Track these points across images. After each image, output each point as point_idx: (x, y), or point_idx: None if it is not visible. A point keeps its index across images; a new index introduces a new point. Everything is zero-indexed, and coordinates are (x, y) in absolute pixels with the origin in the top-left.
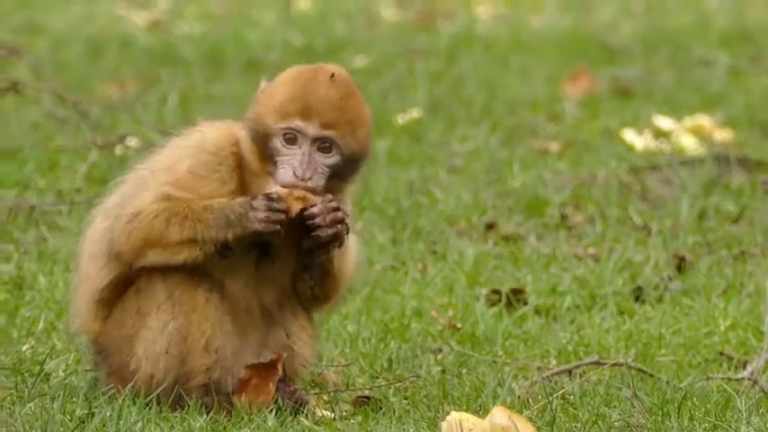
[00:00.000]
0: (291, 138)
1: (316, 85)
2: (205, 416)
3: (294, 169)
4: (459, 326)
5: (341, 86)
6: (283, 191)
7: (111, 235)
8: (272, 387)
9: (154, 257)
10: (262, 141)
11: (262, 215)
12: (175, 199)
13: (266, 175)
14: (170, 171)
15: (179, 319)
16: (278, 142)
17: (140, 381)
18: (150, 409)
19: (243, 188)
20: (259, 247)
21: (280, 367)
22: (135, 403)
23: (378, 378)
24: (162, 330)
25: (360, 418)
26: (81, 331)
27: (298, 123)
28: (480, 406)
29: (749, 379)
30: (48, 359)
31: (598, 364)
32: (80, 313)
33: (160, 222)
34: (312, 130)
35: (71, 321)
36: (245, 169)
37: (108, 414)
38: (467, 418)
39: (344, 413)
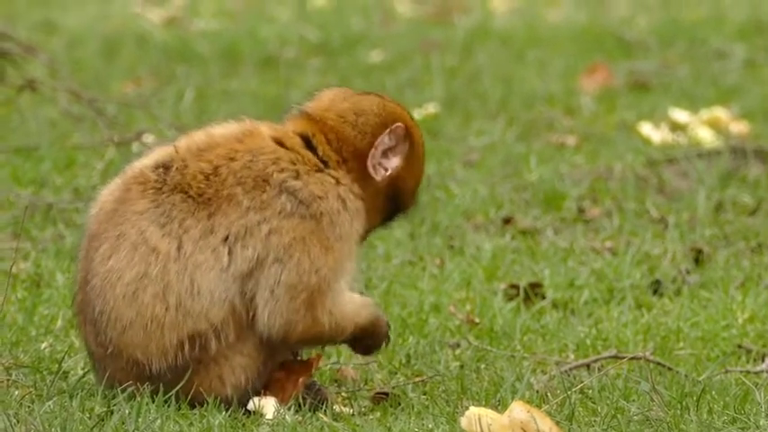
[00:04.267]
0: None
1: None
2: (224, 413)
3: None
4: (477, 320)
5: None
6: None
7: (279, 320)
8: (300, 384)
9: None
10: (392, 205)
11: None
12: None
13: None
14: (329, 249)
15: (270, 346)
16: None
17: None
18: (169, 406)
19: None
20: None
21: (315, 368)
22: (153, 400)
23: (396, 374)
24: (256, 356)
25: (378, 413)
26: (150, 355)
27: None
28: (499, 401)
29: None
30: (66, 357)
31: (616, 357)
32: (159, 344)
33: (346, 336)
34: None
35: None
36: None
37: (127, 411)
38: (486, 413)
39: (363, 409)
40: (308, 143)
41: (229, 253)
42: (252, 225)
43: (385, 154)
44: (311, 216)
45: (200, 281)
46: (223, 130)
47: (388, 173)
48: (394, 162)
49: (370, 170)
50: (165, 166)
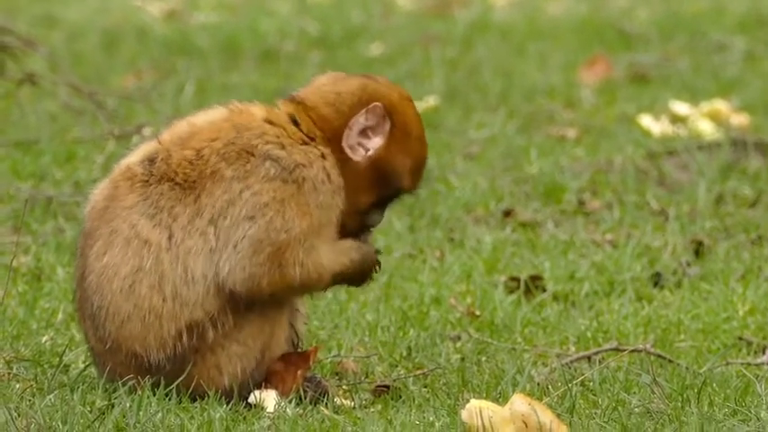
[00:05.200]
0: None
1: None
2: (225, 406)
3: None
4: (477, 313)
5: None
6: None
7: (240, 275)
8: (299, 377)
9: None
10: (382, 185)
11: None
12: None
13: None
14: (306, 214)
15: (266, 334)
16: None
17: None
18: (170, 399)
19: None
20: None
21: (312, 360)
22: (155, 394)
23: (397, 366)
24: (252, 345)
25: (379, 406)
26: (149, 346)
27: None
28: (500, 393)
29: None
30: (67, 350)
31: (617, 350)
32: (157, 335)
33: (324, 284)
34: None
35: (126, 337)
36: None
37: (128, 405)
38: (486, 406)
39: (364, 402)
40: (294, 122)
41: (215, 232)
42: (234, 196)
43: (365, 134)
44: (293, 181)
45: (192, 267)
46: (207, 115)
47: (368, 153)
48: (375, 142)
49: (347, 150)
50: (150, 160)
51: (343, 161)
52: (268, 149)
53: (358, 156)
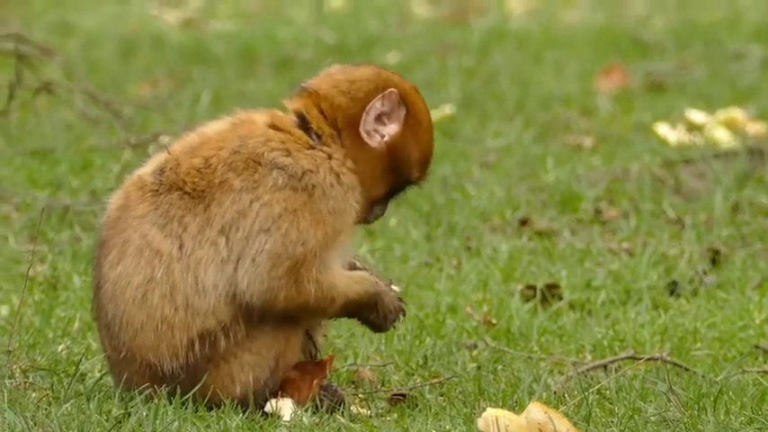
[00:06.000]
0: None
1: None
2: (241, 414)
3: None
4: (494, 322)
5: None
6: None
7: (258, 287)
8: (315, 386)
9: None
10: (393, 175)
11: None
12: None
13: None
14: (320, 222)
15: (280, 344)
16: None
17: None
18: (186, 408)
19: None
20: None
21: (329, 368)
22: (171, 403)
23: (413, 375)
24: (266, 354)
25: (396, 415)
26: (162, 356)
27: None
28: (516, 402)
29: None
30: (83, 359)
31: (633, 358)
32: (170, 344)
33: (337, 308)
34: None
35: (139, 346)
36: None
37: (144, 414)
38: (503, 415)
39: (380, 410)
40: (302, 120)
41: (227, 243)
42: (245, 207)
43: (380, 120)
44: (303, 188)
45: (203, 277)
46: (215, 126)
47: (385, 139)
48: (391, 128)
49: (364, 136)
50: (160, 170)
51: (357, 151)
52: (274, 157)
53: (374, 142)
